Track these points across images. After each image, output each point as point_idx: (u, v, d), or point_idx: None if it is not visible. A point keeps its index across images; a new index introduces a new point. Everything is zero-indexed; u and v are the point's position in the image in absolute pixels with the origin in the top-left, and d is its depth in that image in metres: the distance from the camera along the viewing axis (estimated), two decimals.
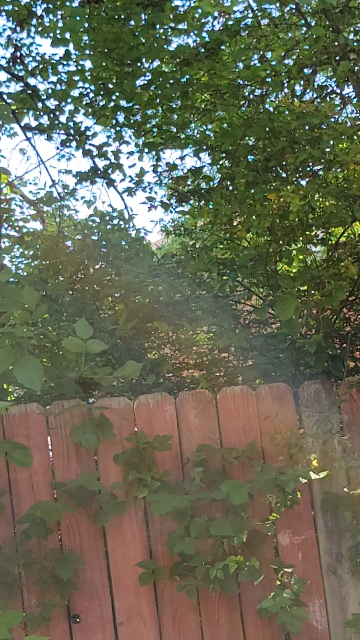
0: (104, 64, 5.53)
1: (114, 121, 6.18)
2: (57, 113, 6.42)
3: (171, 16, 5.42)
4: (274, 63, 4.80)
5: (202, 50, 4.90)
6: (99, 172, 6.41)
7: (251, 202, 4.04)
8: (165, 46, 5.19)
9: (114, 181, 6.50)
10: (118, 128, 6.31)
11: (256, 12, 5.04)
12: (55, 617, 3.52)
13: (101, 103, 6.07)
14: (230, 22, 4.91)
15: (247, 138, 4.39)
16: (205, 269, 4.78)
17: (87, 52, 5.98)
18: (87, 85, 6.23)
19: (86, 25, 5.50)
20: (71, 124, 6.47)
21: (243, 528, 3.53)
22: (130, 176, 6.42)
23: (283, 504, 3.56)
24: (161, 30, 5.38)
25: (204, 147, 5.00)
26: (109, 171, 6.45)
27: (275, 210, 3.81)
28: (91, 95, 6.23)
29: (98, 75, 5.81)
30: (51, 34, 6.26)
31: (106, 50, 5.22)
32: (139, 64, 5.28)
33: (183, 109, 5.03)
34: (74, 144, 6.47)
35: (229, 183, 4.49)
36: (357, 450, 3.74)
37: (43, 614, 3.47)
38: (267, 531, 3.61)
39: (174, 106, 5.33)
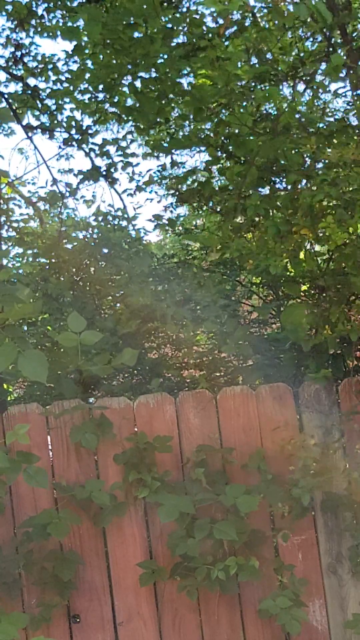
0: (114, 62, 5.45)
1: (118, 123, 6.15)
2: (56, 113, 6.39)
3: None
4: (280, 67, 4.76)
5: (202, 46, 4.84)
6: (103, 171, 6.39)
7: (264, 235, 3.99)
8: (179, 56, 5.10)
9: (117, 180, 6.47)
10: (124, 125, 6.27)
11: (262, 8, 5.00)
12: (55, 617, 3.53)
13: (109, 103, 6.02)
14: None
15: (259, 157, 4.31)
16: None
17: (88, 51, 5.94)
18: (91, 83, 6.17)
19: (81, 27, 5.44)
20: (73, 122, 6.45)
21: (245, 530, 3.53)
22: (131, 177, 6.40)
23: (297, 515, 3.57)
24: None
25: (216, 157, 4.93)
26: (112, 170, 6.43)
27: (295, 246, 3.79)
28: (97, 94, 6.18)
29: (108, 73, 5.71)
30: (51, 33, 6.23)
31: (119, 48, 5.13)
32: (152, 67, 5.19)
33: (196, 121, 4.94)
34: (75, 143, 6.45)
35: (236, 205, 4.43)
36: None
37: (43, 614, 3.47)
38: (283, 540, 3.62)
39: (183, 111, 5.27)
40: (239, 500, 3.50)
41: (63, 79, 6.37)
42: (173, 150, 5.34)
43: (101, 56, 5.56)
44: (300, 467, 3.57)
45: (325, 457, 3.64)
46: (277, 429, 3.69)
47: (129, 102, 5.79)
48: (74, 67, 6.51)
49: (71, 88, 6.29)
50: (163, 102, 5.04)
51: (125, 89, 5.67)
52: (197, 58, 4.69)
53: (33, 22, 6.28)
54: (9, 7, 6.05)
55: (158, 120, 5.19)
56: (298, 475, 3.54)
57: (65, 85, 6.46)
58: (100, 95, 6.17)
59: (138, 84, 5.14)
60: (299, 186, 3.97)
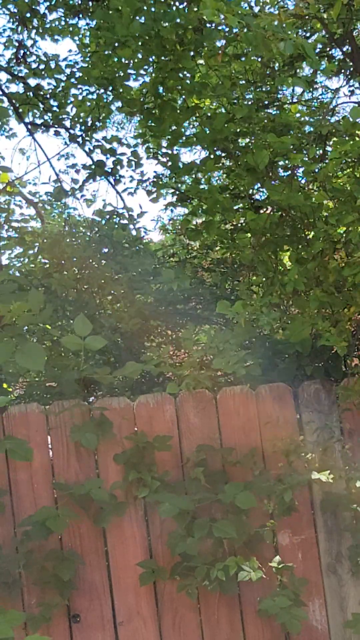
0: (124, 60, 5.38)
1: (130, 115, 6.11)
2: (57, 110, 6.39)
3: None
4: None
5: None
6: (108, 168, 6.37)
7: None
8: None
9: (123, 177, 6.46)
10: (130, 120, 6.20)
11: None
12: (55, 617, 3.53)
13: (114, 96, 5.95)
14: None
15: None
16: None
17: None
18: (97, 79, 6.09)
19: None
20: (77, 118, 6.44)
21: (244, 529, 3.53)
22: (139, 179, 6.39)
23: (281, 512, 3.56)
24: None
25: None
26: (118, 167, 6.41)
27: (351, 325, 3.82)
28: (101, 90, 6.13)
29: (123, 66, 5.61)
30: (53, 34, 6.24)
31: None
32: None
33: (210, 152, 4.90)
34: (80, 139, 6.44)
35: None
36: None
37: (43, 613, 3.47)
38: (265, 538, 3.61)
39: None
40: (237, 496, 3.50)
41: (64, 78, 6.36)
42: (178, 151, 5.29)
43: (104, 51, 5.49)
44: (286, 463, 3.57)
45: (323, 457, 3.64)
46: (276, 429, 3.69)
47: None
48: (77, 65, 6.51)
49: (83, 78, 6.22)
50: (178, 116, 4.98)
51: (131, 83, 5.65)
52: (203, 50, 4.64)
53: (35, 22, 6.27)
54: (11, 6, 6.05)
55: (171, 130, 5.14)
56: (283, 471, 3.55)
57: (71, 82, 6.46)
58: (103, 91, 6.16)
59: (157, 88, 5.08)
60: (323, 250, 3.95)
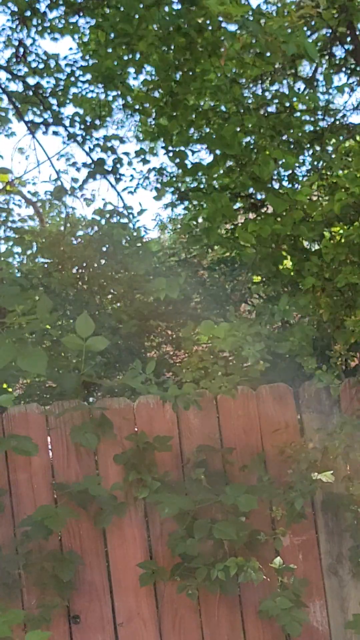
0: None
1: (131, 111, 6.11)
2: (58, 109, 6.37)
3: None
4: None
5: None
6: (109, 167, 6.36)
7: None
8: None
9: (123, 175, 6.46)
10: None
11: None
12: (55, 618, 3.52)
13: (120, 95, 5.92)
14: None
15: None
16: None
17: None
18: (97, 77, 6.08)
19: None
20: (77, 117, 6.44)
21: (244, 530, 3.52)
22: (145, 176, 6.38)
23: (291, 519, 3.55)
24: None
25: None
26: (118, 166, 6.40)
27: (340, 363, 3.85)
28: (102, 88, 6.11)
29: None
30: (50, 33, 6.23)
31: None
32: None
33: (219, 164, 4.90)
34: (81, 138, 6.43)
35: None
36: None
37: (43, 614, 3.46)
38: (276, 545, 3.60)
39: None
40: (239, 499, 3.49)
41: (63, 77, 6.34)
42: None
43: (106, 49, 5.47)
44: (296, 469, 3.56)
45: (325, 458, 3.63)
46: (277, 430, 3.68)
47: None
48: (76, 65, 6.50)
49: (89, 70, 6.21)
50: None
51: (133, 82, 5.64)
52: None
53: (35, 20, 6.25)
54: (11, 4, 6.03)
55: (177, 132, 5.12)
56: (294, 478, 3.53)
57: (71, 80, 6.45)
58: (103, 90, 6.15)
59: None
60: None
